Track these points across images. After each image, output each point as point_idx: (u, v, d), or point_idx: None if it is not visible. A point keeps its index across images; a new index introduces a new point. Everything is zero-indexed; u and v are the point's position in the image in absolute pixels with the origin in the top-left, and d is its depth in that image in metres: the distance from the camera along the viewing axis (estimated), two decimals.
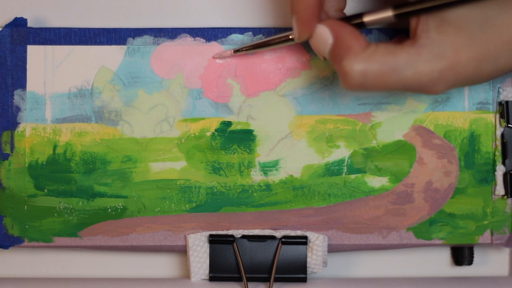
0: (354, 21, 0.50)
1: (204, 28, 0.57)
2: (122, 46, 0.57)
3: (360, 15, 0.50)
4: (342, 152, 0.58)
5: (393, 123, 0.58)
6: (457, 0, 0.47)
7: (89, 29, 0.57)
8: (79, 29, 0.57)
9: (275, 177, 0.58)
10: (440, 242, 0.58)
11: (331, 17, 0.52)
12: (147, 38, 0.57)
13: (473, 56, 0.47)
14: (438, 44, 0.47)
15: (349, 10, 0.55)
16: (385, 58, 0.48)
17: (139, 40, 0.57)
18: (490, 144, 0.58)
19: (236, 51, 0.56)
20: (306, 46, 0.57)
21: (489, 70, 0.48)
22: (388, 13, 0.49)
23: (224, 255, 0.58)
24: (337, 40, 0.49)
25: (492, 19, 0.47)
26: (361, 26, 0.50)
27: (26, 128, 0.57)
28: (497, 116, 0.58)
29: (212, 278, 0.58)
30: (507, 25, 0.47)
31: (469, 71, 0.48)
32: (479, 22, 0.47)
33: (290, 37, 0.53)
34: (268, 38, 0.55)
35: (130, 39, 0.57)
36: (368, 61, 0.48)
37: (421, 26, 0.48)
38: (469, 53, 0.47)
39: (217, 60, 0.57)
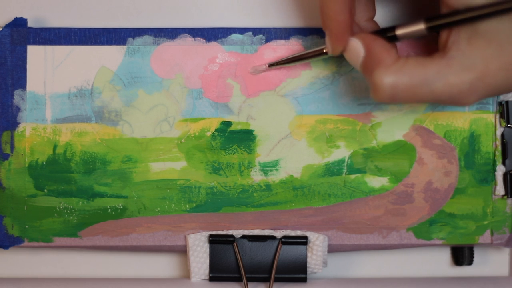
0: (387, 34, 0.51)
1: (204, 28, 0.57)
2: (122, 46, 0.57)
3: (392, 28, 0.51)
4: (342, 152, 0.58)
5: (393, 123, 0.58)
6: (490, 12, 0.47)
7: (89, 29, 0.57)
8: (79, 29, 0.57)
9: (275, 177, 0.58)
10: (440, 242, 0.58)
11: (362, 28, 0.53)
12: (147, 38, 0.57)
13: (502, 67, 0.48)
14: (468, 56, 0.48)
15: (378, 19, 0.56)
16: (415, 70, 0.48)
17: (139, 40, 0.57)
18: (490, 144, 0.58)
19: (270, 65, 0.57)
20: (306, 46, 0.57)
21: None
22: (420, 26, 0.50)
23: (224, 255, 0.58)
24: (369, 52, 0.50)
25: None
26: (393, 39, 0.51)
27: (26, 128, 0.57)
28: (497, 116, 0.58)
29: (212, 278, 0.58)
30: None
31: (498, 81, 0.48)
32: (508, 33, 0.47)
33: (325, 50, 0.54)
34: (302, 53, 0.55)
35: (130, 39, 0.57)
36: (398, 73, 0.48)
37: (452, 38, 0.49)
38: (498, 64, 0.48)
39: (251, 71, 0.57)
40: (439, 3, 0.50)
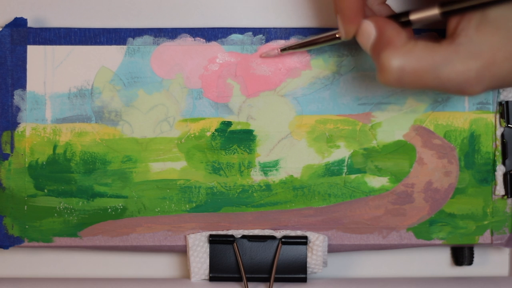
0: (401, 19, 0.51)
1: (204, 28, 0.57)
2: (122, 46, 0.57)
3: (406, 13, 0.51)
4: (342, 152, 0.58)
5: (393, 123, 0.58)
6: None
7: (89, 29, 0.57)
8: (79, 29, 0.57)
9: (275, 177, 0.58)
10: (440, 242, 0.58)
11: (375, 12, 0.53)
12: (147, 38, 0.57)
13: (508, 57, 0.47)
14: (476, 43, 0.47)
15: (390, 4, 0.55)
16: (424, 54, 0.48)
17: (139, 40, 0.57)
18: (490, 144, 0.58)
19: (282, 49, 0.56)
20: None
21: None
22: (434, 11, 0.49)
23: (224, 255, 0.58)
24: (380, 34, 0.50)
25: None
26: (407, 24, 0.51)
27: (26, 128, 0.57)
28: (497, 116, 0.58)
29: (212, 278, 0.58)
30: None
31: (505, 71, 0.48)
32: None
33: (337, 35, 0.53)
34: (315, 37, 0.55)
35: (130, 39, 0.57)
36: (406, 56, 0.48)
37: (462, 24, 0.48)
38: (505, 53, 0.47)
39: (263, 55, 0.57)
40: None
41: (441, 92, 0.52)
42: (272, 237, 0.58)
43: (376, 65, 0.49)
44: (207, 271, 0.58)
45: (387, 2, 0.54)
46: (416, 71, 0.48)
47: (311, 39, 0.55)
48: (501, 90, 0.58)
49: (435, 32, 0.57)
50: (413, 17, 0.50)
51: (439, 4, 0.49)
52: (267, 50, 0.57)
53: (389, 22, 0.50)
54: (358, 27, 0.51)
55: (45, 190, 0.57)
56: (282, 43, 0.57)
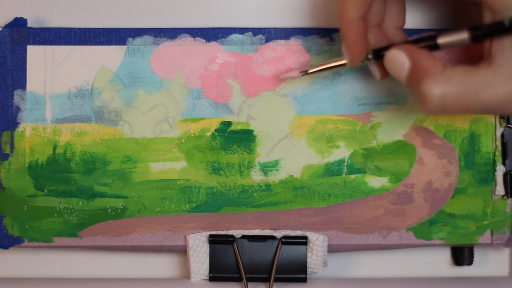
0: (428, 42, 0.50)
1: (204, 28, 0.57)
2: (122, 46, 0.57)
3: (434, 37, 0.50)
4: (342, 152, 0.58)
5: (393, 123, 0.58)
6: None
7: (89, 29, 0.57)
8: (79, 29, 0.57)
9: (275, 177, 0.58)
10: (440, 242, 0.58)
11: (391, 37, 0.53)
12: (147, 38, 0.57)
13: None
14: None
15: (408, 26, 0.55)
16: (463, 79, 0.47)
17: (139, 40, 0.57)
18: (490, 144, 0.58)
19: (302, 73, 0.55)
20: (306, 46, 0.57)
21: None
22: (463, 35, 0.48)
23: (224, 255, 0.58)
24: (415, 63, 0.49)
25: None
26: (434, 48, 0.50)
27: (26, 128, 0.57)
28: (497, 116, 0.58)
29: (212, 278, 0.58)
30: None
31: None
32: None
33: (344, 62, 0.53)
34: (330, 64, 0.54)
35: (130, 39, 0.57)
36: (446, 83, 0.47)
37: (495, 45, 0.48)
38: None
39: (282, 77, 0.57)
40: (481, 6, 0.48)
41: (484, 114, 0.51)
42: (272, 237, 0.58)
43: (414, 95, 0.49)
44: (207, 271, 0.58)
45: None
46: (458, 97, 0.47)
47: (330, 65, 0.54)
48: None
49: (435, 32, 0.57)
50: (441, 41, 0.50)
51: (469, 28, 0.48)
52: (287, 72, 0.56)
53: (421, 50, 0.49)
54: (362, 53, 0.51)
55: (45, 190, 0.57)
56: (282, 43, 0.57)
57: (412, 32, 0.57)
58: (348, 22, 0.50)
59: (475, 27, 0.48)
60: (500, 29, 0.47)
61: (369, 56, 0.52)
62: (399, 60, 0.50)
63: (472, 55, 0.51)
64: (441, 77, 0.48)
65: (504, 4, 0.47)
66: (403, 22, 0.54)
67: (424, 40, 0.50)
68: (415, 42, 0.51)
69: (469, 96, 0.47)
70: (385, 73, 0.52)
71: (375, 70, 0.53)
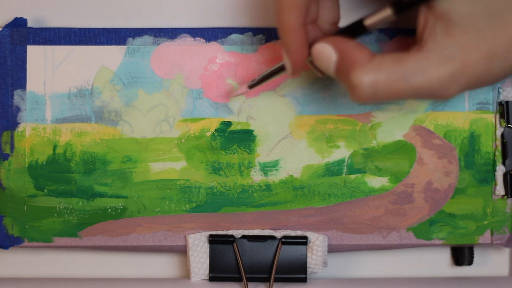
0: (356, 27, 0.49)
1: (204, 28, 0.57)
2: (122, 46, 0.57)
3: (360, 21, 0.49)
4: (342, 152, 0.58)
5: (393, 123, 0.58)
6: None
7: (89, 29, 0.57)
8: (79, 29, 0.57)
9: (275, 177, 0.58)
10: (440, 242, 0.58)
11: (326, 32, 0.51)
12: (147, 38, 0.57)
13: (482, 55, 0.46)
14: (446, 47, 0.46)
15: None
16: (393, 66, 0.47)
17: (139, 40, 0.57)
18: (490, 144, 0.58)
19: (250, 86, 0.55)
20: None
21: (499, 68, 0.47)
22: (387, 12, 0.48)
23: (224, 255, 0.58)
24: (342, 55, 0.48)
25: (498, 15, 0.46)
26: (363, 31, 0.49)
27: (26, 128, 0.57)
28: (497, 116, 0.58)
29: (212, 278, 0.58)
30: None
31: (480, 70, 0.47)
32: (485, 19, 0.46)
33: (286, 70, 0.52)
34: (268, 72, 0.54)
35: (130, 39, 0.57)
36: (376, 71, 0.47)
37: (427, 31, 0.47)
38: (478, 52, 0.46)
39: (232, 95, 0.57)
40: None
41: (416, 100, 0.51)
42: (272, 237, 0.58)
43: (345, 86, 0.48)
44: (207, 271, 0.58)
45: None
46: (389, 84, 0.47)
47: (267, 73, 0.54)
48: (501, 90, 0.58)
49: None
50: (368, 22, 0.49)
51: (390, 3, 0.48)
52: (236, 90, 0.56)
53: (347, 40, 0.49)
54: (304, 61, 0.50)
55: (45, 190, 0.57)
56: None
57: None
58: (288, 31, 0.49)
59: (396, 2, 0.47)
60: None
61: (308, 60, 0.51)
62: (325, 53, 0.49)
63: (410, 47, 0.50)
64: (370, 65, 0.47)
65: None
66: (338, 17, 0.52)
67: (351, 26, 0.50)
68: (344, 31, 0.50)
69: (400, 83, 0.47)
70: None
71: (315, 68, 0.51)
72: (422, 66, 0.47)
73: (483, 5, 0.46)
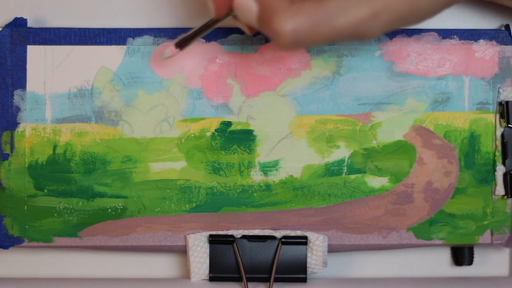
0: None
1: None
2: (122, 46, 0.57)
3: None
4: (342, 152, 0.58)
5: (393, 123, 0.58)
6: None
7: (89, 29, 0.57)
8: (79, 29, 0.57)
9: (275, 177, 0.58)
10: (440, 242, 0.58)
11: None
12: (147, 38, 0.57)
13: None
14: None
15: None
16: (313, 9, 0.47)
17: (139, 40, 0.57)
18: (490, 144, 0.58)
19: (177, 44, 0.54)
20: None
21: (424, 4, 0.47)
22: None
23: (224, 255, 0.58)
24: (262, 4, 0.48)
25: None
26: None
27: (26, 128, 0.57)
28: (497, 116, 0.58)
29: (212, 278, 0.58)
30: None
31: (403, 6, 0.46)
32: None
33: (213, 18, 0.52)
34: (200, 26, 0.53)
35: (130, 39, 0.57)
36: (296, 16, 0.47)
37: None
38: None
39: (162, 58, 0.56)
40: None
41: (341, 41, 0.50)
42: (272, 237, 0.58)
43: (268, 35, 0.48)
44: (207, 271, 0.58)
45: None
46: (311, 27, 0.47)
47: (194, 30, 0.53)
48: (501, 90, 0.58)
49: (435, 32, 0.57)
50: None
51: None
52: (165, 52, 0.54)
53: None
54: (227, 4, 0.50)
55: (45, 190, 0.57)
56: None
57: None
58: None
59: None
60: None
61: (232, 14, 0.51)
62: (246, 5, 0.49)
63: None
64: (290, 11, 0.47)
65: None
66: None
67: None
68: None
69: (323, 25, 0.47)
70: (253, 28, 0.51)
71: (243, 26, 0.51)
72: (343, 6, 0.46)
73: None
